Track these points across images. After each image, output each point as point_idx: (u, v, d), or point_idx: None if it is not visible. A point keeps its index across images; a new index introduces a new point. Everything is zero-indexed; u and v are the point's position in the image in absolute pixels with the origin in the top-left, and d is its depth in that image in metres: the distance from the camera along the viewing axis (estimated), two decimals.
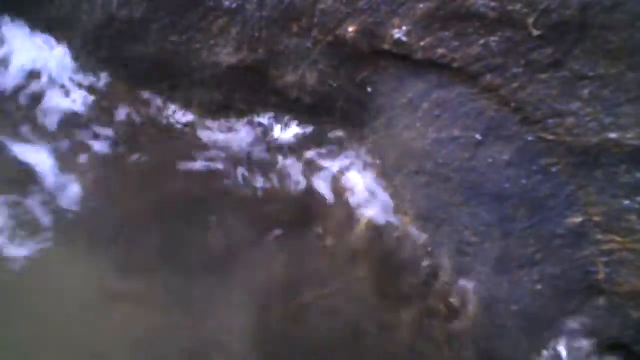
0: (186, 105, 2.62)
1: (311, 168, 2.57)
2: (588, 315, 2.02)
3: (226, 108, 2.56)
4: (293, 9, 2.26)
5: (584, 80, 1.95)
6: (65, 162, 2.58)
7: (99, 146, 2.61)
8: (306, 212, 2.54)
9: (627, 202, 1.95)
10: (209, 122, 2.59)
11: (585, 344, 2.02)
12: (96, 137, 2.61)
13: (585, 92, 1.95)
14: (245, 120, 2.58)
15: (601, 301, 2.00)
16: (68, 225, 2.48)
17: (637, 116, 1.89)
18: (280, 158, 2.56)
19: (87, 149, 2.61)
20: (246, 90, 2.51)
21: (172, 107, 2.60)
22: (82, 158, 2.59)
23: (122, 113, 2.62)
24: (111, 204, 2.54)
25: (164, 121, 2.61)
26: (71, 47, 2.67)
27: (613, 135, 1.93)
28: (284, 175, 2.56)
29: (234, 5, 2.33)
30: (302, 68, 2.35)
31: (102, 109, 2.62)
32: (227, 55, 2.43)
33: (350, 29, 2.20)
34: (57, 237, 2.45)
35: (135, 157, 2.58)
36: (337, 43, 2.26)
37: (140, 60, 2.58)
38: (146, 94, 2.63)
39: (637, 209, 1.93)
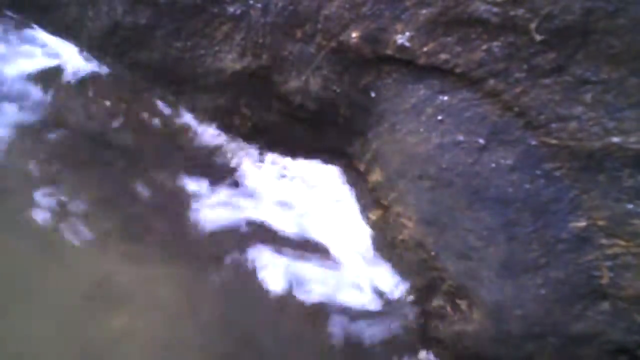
0: (190, 111, 2.63)
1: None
2: (592, 319, 2.02)
3: (230, 114, 2.58)
4: (297, 15, 2.27)
5: (587, 84, 1.95)
6: None
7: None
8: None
9: (630, 206, 1.95)
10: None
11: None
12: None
13: (588, 96, 1.95)
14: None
15: (605, 305, 1.99)
16: None
17: (639, 121, 1.90)
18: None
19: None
20: (250, 96, 2.53)
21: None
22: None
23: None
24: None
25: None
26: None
27: (616, 140, 1.94)
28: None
29: (238, 12, 2.35)
30: (305, 74, 2.36)
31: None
32: (231, 61, 2.44)
33: (354, 35, 2.21)
34: None
35: None
36: (340, 49, 2.27)
37: (144, 67, 2.59)
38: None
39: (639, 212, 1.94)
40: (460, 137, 2.15)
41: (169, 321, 2.30)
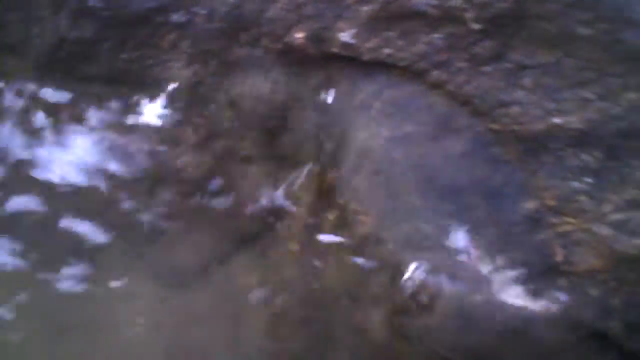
0: None
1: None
2: (551, 296, 2.06)
3: (182, 123, 2.56)
4: (241, 19, 2.28)
5: (525, 69, 2.01)
6: None
7: None
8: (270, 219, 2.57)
9: (576, 184, 2.00)
10: None
11: None
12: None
13: (527, 80, 2.01)
14: None
15: (562, 282, 2.03)
16: None
17: (578, 101, 1.96)
18: None
19: None
20: (201, 104, 2.52)
21: None
22: None
23: None
24: None
25: None
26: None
27: (557, 121, 1.99)
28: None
29: (183, 19, 2.35)
30: (254, 78, 2.37)
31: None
32: (179, 70, 2.44)
33: (299, 35, 2.23)
34: None
35: None
36: (287, 50, 2.29)
37: (94, 80, 2.56)
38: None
39: (585, 189, 1.99)
40: (410, 129, 2.19)
41: None
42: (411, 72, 2.14)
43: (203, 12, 2.31)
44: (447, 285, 2.15)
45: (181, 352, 2.37)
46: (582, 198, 2.00)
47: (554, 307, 2.05)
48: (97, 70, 2.52)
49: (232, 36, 2.32)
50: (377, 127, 2.25)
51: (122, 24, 2.42)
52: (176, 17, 2.35)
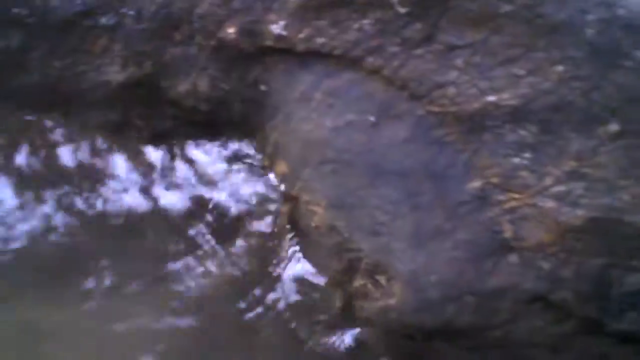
0: (83, 129, 2.56)
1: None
2: (504, 273, 2.08)
3: (124, 126, 2.53)
4: (171, 17, 2.25)
5: (456, 49, 2.01)
6: None
7: None
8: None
9: (517, 160, 2.02)
10: None
11: None
12: None
13: (459, 61, 2.02)
14: None
15: (514, 258, 2.05)
16: None
17: (509, 77, 1.97)
18: None
19: None
20: (141, 105, 2.48)
21: None
22: None
23: None
24: None
25: None
26: None
27: (492, 98, 2.01)
28: None
29: (112, 22, 2.31)
30: (192, 76, 2.34)
31: None
32: (115, 73, 2.40)
33: (231, 30, 2.21)
34: None
35: None
36: (221, 46, 2.27)
37: (26, 90, 2.51)
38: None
39: (526, 164, 2.01)
40: (352, 117, 2.19)
41: None
42: (347, 60, 2.14)
43: (131, 12, 2.27)
44: (400, 268, 2.16)
45: None
46: (524, 173, 2.02)
47: (509, 282, 2.07)
48: (29, 79, 2.47)
49: (164, 36, 2.29)
50: (319, 118, 2.24)
51: (50, 31, 2.37)
52: (104, 20, 2.31)
